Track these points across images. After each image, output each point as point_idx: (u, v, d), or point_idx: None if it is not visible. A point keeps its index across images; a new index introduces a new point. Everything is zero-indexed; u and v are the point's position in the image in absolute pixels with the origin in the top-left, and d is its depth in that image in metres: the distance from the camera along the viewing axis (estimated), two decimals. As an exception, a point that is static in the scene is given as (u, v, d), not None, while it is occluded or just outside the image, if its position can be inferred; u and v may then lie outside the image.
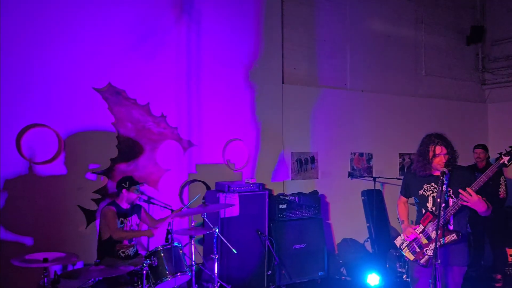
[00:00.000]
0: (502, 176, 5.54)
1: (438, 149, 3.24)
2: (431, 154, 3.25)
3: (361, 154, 6.83)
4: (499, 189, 5.46)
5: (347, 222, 6.50)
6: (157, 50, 5.14)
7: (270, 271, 5.16)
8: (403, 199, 3.63)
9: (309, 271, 5.48)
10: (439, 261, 2.83)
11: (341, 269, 5.84)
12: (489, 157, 5.86)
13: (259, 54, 5.88)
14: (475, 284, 5.20)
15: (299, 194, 5.72)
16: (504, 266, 5.54)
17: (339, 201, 6.48)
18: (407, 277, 5.42)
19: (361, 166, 6.83)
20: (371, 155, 6.92)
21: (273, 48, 6.02)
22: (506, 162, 3.01)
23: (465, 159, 5.57)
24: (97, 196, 4.74)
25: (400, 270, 5.64)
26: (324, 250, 5.64)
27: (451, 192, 3.19)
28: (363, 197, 6.58)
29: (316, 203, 5.74)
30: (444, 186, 3.05)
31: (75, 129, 4.66)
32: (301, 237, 5.47)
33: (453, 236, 3.15)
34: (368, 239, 6.46)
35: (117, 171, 4.87)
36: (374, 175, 6.59)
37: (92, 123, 4.75)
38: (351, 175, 6.67)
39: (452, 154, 3.27)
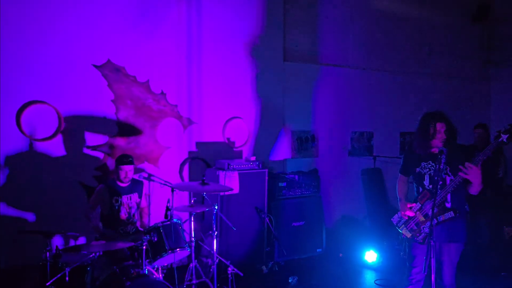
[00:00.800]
0: (502, 156, 5.53)
1: (439, 126, 3.23)
2: (431, 131, 3.24)
3: (361, 133, 6.83)
4: (498, 169, 5.46)
5: (347, 200, 6.55)
6: (157, 26, 5.09)
7: (268, 248, 5.24)
8: (403, 178, 3.64)
9: (307, 248, 5.55)
10: (433, 239, 2.85)
11: (339, 246, 5.92)
12: (489, 136, 5.84)
13: (260, 31, 5.82)
14: (472, 262, 5.26)
15: (299, 172, 5.75)
16: (501, 245, 5.59)
17: (339, 180, 6.51)
18: (404, 254, 5.52)
19: (362, 145, 6.83)
20: (372, 134, 6.92)
21: (274, 25, 5.95)
22: (505, 140, 2.97)
23: (466, 139, 5.58)
24: (98, 173, 4.78)
25: (398, 247, 5.71)
26: (322, 227, 5.70)
27: (448, 170, 3.18)
28: (363, 176, 6.61)
29: (315, 182, 5.77)
30: (442, 164, 3.03)
31: (75, 106, 4.67)
32: (300, 214, 5.53)
33: (450, 214, 3.17)
34: (367, 217, 6.52)
35: (118, 148, 4.89)
36: (374, 154, 6.59)
37: (92, 100, 4.75)
38: (351, 153, 6.68)
39: (451, 132, 3.26)
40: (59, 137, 4.58)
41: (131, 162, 4.15)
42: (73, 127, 4.65)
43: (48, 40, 4.51)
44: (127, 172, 4.11)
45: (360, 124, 6.79)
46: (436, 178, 3.01)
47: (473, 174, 3.00)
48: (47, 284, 3.16)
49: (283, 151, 6.09)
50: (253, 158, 5.30)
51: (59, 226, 4.02)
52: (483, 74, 8.35)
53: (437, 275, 3.15)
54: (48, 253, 3.25)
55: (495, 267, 5.28)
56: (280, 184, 5.46)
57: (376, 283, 4.86)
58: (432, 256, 2.85)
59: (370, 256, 5.39)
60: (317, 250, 5.63)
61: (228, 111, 5.64)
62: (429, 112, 3.35)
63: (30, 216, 4.45)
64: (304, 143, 6.29)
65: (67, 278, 3.25)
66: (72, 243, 4.45)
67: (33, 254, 3.79)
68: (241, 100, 5.73)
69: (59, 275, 3.19)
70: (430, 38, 7.53)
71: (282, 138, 6.08)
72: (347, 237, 6.02)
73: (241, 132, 5.76)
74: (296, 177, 5.62)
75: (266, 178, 5.28)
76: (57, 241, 4.37)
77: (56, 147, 4.57)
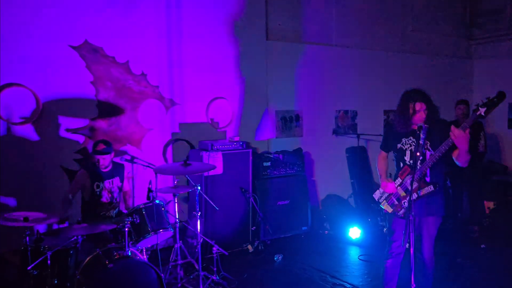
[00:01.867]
0: (482, 131, 5.61)
1: (418, 106, 3.22)
2: (411, 111, 3.23)
3: (346, 112, 6.84)
4: (478, 144, 5.53)
5: (331, 178, 6.60)
6: (135, 5, 4.96)
7: (254, 227, 5.27)
8: (383, 154, 3.67)
9: (293, 226, 5.61)
10: (413, 213, 2.89)
11: (325, 224, 6.00)
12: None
13: (242, 9, 5.72)
14: (452, 235, 5.38)
15: (283, 152, 5.76)
16: (481, 218, 5.72)
17: (323, 158, 6.54)
18: (387, 230, 5.61)
19: (346, 124, 6.85)
20: (356, 112, 6.93)
21: (257, 3, 5.85)
22: (482, 113, 2.96)
23: (449, 115, 5.63)
24: (79, 156, 4.72)
25: (381, 223, 5.81)
26: (307, 206, 5.75)
27: (428, 145, 3.20)
28: (347, 154, 6.64)
29: (300, 161, 5.79)
30: (421, 140, 3.04)
31: (53, 88, 4.56)
32: (286, 193, 5.56)
33: (430, 188, 3.20)
34: (352, 195, 6.59)
35: (99, 131, 4.82)
36: (358, 132, 6.62)
37: (70, 82, 4.64)
38: (335, 132, 6.70)
39: (432, 110, 3.25)
40: (38, 120, 4.48)
41: (103, 152, 3.99)
42: (52, 110, 4.55)
43: (23, 21, 4.36)
44: (99, 160, 4.03)
45: (344, 103, 6.79)
46: (416, 153, 3.01)
47: (461, 138, 2.95)
48: (28, 268, 3.14)
49: (267, 131, 6.07)
50: (237, 139, 5.28)
51: (41, 210, 3.96)
52: (467, 51, 8.39)
53: (417, 249, 3.21)
54: (28, 237, 3.22)
55: (475, 239, 5.42)
56: (264, 164, 5.47)
57: (360, 259, 4.95)
58: (411, 231, 2.89)
59: (354, 232, 5.47)
60: (303, 228, 5.69)
61: (211, 92, 5.58)
62: (408, 91, 3.33)
63: (11, 201, 4.38)
64: (288, 122, 6.28)
65: (49, 262, 3.23)
66: (55, 227, 4.41)
67: (13, 238, 3.75)
68: (224, 79, 5.67)
69: (40, 259, 3.17)
70: (413, 15, 7.50)
71: (266, 118, 6.06)
72: (332, 215, 6.10)
73: (225, 113, 5.72)
74: (281, 156, 5.63)
75: (251, 158, 5.28)
76: (39, 225, 4.32)
77: (34, 131, 4.48)
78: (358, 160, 6.47)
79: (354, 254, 5.13)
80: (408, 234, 2.90)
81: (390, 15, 7.25)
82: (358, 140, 6.39)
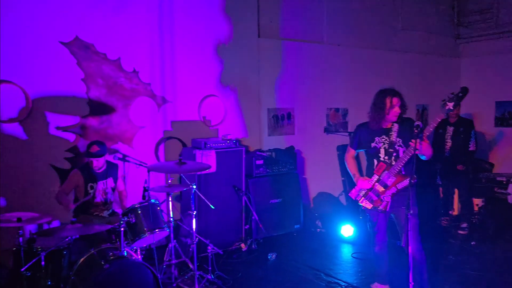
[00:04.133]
0: (473, 130, 5.69)
1: (395, 101, 3.47)
2: (388, 105, 3.46)
3: (337, 110, 6.86)
4: (469, 142, 5.62)
5: (323, 176, 6.62)
6: (127, 1, 4.88)
7: (247, 226, 5.26)
8: (352, 152, 3.83)
9: (285, 224, 5.61)
10: (391, 208, 3.04)
11: (317, 222, 6.01)
12: (459, 110, 5.95)
13: (233, 6, 5.67)
14: (442, 232, 5.46)
15: (275, 150, 5.75)
16: (470, 215, 5.81)
17: (315, 156, 6.56)
18: (370, 226, 5.67)
19: (337, 122, 6.88)
20: (347, 110, 6.96)
21: (248, 0, 5.81)
22: (451, 107, 3.18)
23: (437, 113, 5.68)
24: (70, 154, 4.63)
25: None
26: (300, 204, 5.75)
27: (401, 142, 3.44)
28: (338, 152, 6.66)
29: (292, 159, 5.79)
30: (394, 138, 3.41)
31: (43, 85, 4.46)
32: (278, 192, 5.56)
33: (407, 181, 3.27)
34: (343, 193, 6.62)
35: (90, 129, 4.74)
36: (349, 130, 6.65)
37: (61, 80, 4.55)
38: (327, 130, 6.72)
39: (404, 107, 3.51)
40: (27, 118, 4.39)
41: (97, 155, 3.94)
42: (42, 107, 4.46)
43: (12, 16, 4.25)
44: (93, 162, 3.98)
45: (335, 101, 6.82)
46: (390, 150, 3.37)
47: (424, 149, 3.25)
48: (22, 270, 3.06)
49: (259, 128, 6.06)
50: (230, 137, 5.25)
51: (31, 210, 3.88)
52: (455, 49, 8.50)
53: (404, 241, 3.29)
54: (21, 238, 3.14)
55: (465, 236, 5.50)
56: (257, 162, 5.45)
57: (353, 256, 4.98)
58: (409, 229, 2.94)
59: (347, 230, 5.49)
60: (295, 226, 5.69)
61: (203, 89, 5.53)
62: (384, 88, 3.59)
63: (0, 201, 4.28)
64: (280, 120, 6.27)
65: (42, 263, 3.16)
66: (45, 226, 4.32)
67: (5, 240, 3.67)
68: (217, 77, 5.63)
69: (34, 260, 3.10)
70: (403, 12, 7.55)
71: (258, 116, 6.04)
72: (323, 212, 6.12)
73: (217, 111, 5.68)
74: (273, 154, 5.62)
75: (244, 156, 5.25)
76: (30, 225, 4.23)
77: (23, 129, 4.38)
78: (349, 158, 6.49)
79: (347, 252, 5.15)
80: (406, 233, 2.97)
81: (380, 13, 7.29)
82: (350, 138, 6.40)
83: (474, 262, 4.67)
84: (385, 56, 7.36)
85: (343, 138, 6.68)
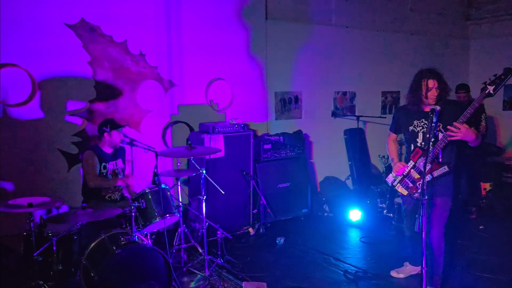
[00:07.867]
0: (484, 113, 5.62)
1: (431, 83, 3.25)
2: (423, 88, 3.26)
3: (344, 93, 6.78)
4: (479, 126, 5.55)
5: (330, 160, 6.58)
6: (132, -18, 4.78)
7: (255, 210, 5.25)
8: (393, 136, 3.67)
9: (293, 208, 5.60)
10: (426, 197, 2.88)
11: (324, 206, 6.01)
12: (471, 97, 5.87)
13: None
14: (452, 216, 5.42)
15: (283, 134, 5.70)
16: (478, 199, 5.78)
17: (322, 140, 6.51)
18: (388, 212, 5.65)
19: (344, 105, 6.80)
20: (355, 93, 6.88)
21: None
22: (491, 91, 2.98)
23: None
24: (78, 139, 4.59)
25: (381, 205, 5.83)
26: (307, 188, 5.73)
27: (441, 126, 3.21)
28: (345, 136, 6.62)
29: (300, 143, 5.74)
30: (434, 122, 3.05)
31: (49, 69, 4.39)
32: (286, 176, 5.53)
33: (445, 168, 3.21)
34: (350, 177, 6.59)
35: (97, 113, 4.69)
36: (357, 114, 6.58)
37: (66, 63, 4.48)
38: (334, 114, 6.66)
39: (443, 89, 3.28)
40: (34, 102, 4.33)
41: (121, 125, 4.10)
42: (49, 91, 4.39)
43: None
44: (113, 137, 4.02)
45: (343, 84, 6.73)
46: (428, 135, 3.01)
47: (463, 135, 3.05)
48: (34, 254, 3.07)
49: (266, 112, 6.00)
50: (237, 121, 5.20)
51: (40, 195, 3.86)
52: (464, 31, 8.35)
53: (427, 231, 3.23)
54: (32, 223, 3.14)
55: (474, 220, 5.48)
56: (265, 146, 5.41)
57: (361, 241, 4.97)
58: (423, 214, 2.89)
59: (355, 214, 5.48)
60: (303, 210, 5.69)
61: (210, 73, 5.45)
62: (422, 69, 3.36)
63: (8, 186, 4.26)
64: (287, 104, 6.21)
65: (54, 248, 3.17)
66: (54, 211, 4.32)
67: (15, 225, 3.66)
68: (224, 60, 5.54)
69: (46, 245, 3.10)
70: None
71: (265, 100, 5.97)
72: (330, 197, 6.10)
73: (224, 94, 5.61)
74: (281, 138, 5.57)
75: (252, 140, 5.21)
76: (40, 210, 4.22)
77: (31, 113, 4.33)
78: (357, 142, 6.45)
79: (355, 236, 5.15)
80: (420, 218, 2.91)
81: (389, -6, 7.14)
82: (358, 122, 6.35)
83: (482, 246, 4.66)
84: (394, 38, 7.23)
85: (350, 122, 6.62)
